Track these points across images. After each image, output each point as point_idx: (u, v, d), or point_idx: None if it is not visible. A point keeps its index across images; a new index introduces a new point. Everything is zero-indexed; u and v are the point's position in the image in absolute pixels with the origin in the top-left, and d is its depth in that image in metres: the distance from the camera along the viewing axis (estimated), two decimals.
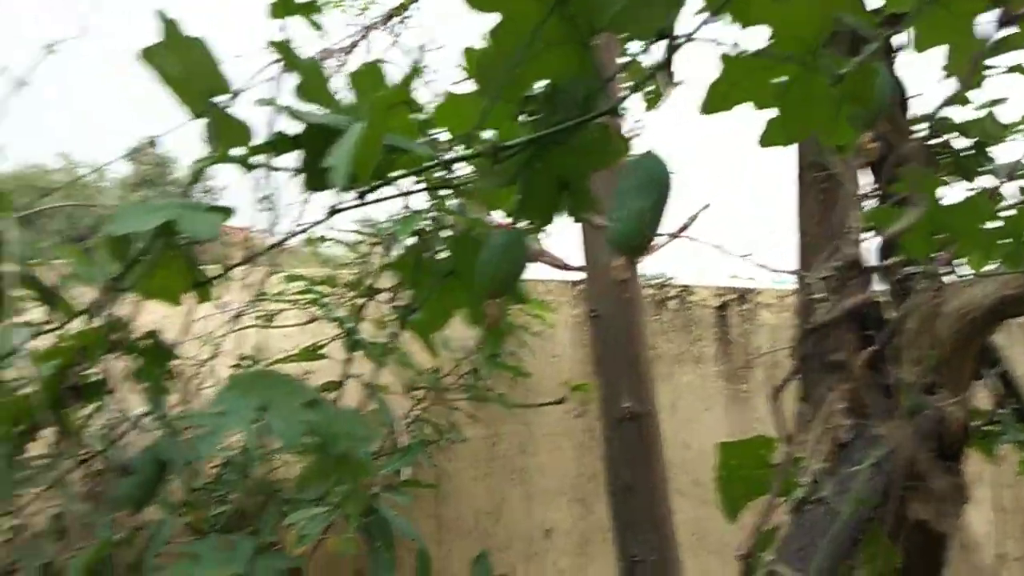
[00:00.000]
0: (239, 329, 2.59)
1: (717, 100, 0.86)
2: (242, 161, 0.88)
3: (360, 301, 2.51)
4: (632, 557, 2.17)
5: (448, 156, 0.78)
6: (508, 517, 3.07)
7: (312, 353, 2.48)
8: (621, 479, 2.20)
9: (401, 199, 0.90)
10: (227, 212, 0.90)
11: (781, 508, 1.46)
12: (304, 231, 1.05)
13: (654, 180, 0.65)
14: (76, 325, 1.12)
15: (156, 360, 1.04)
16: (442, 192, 0.97)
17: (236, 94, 0.93)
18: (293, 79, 0.91)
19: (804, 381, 1.58)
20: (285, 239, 1.53)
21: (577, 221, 0.83)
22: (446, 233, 1.19)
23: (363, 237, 2.50)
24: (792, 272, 1.75)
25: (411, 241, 1.15)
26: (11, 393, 1.23)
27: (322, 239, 2.35)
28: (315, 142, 0.80)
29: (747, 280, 3.24)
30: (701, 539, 3.03)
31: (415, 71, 0.79)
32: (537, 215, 0.77)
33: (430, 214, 2.41)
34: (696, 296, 3.26)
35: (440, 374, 2.88)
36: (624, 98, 0.71)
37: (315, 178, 0.81)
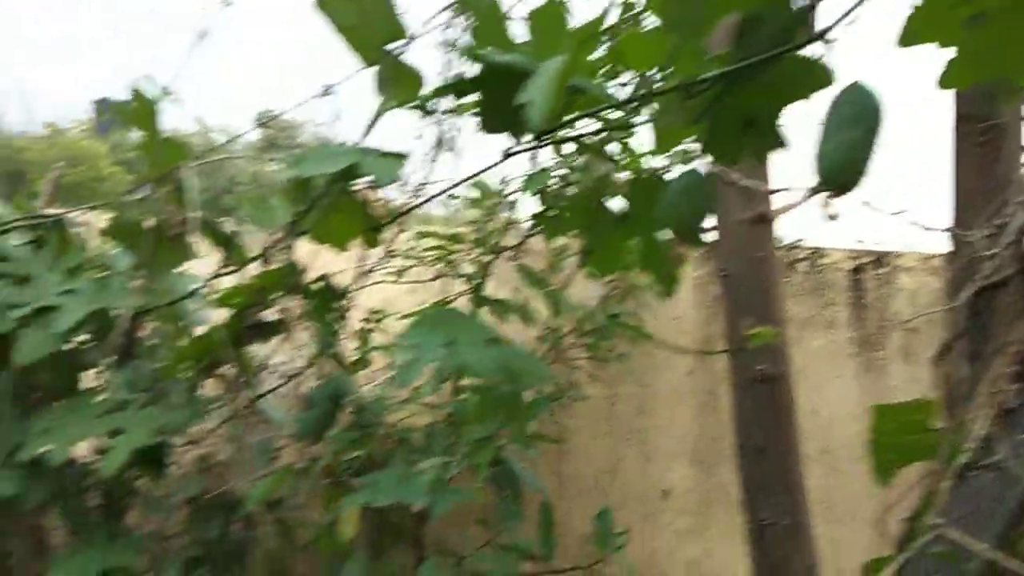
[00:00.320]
0: (370, 284, 2.67)
1: (910, 35, 0.81)
2: (420, 106, 0.89)
3: (487, 258, 2.54)
4: (762, 520, 2.13)
5: (630, 94, 0.77)
6: (625, 477, 3.07)
7: (443, 309, 2.54)
8: (752, 441, 2.16)
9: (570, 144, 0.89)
10: (402, 158, 0.92)
11: (938, 474, 1.39)
12: (461, 182, 1.05)
13: (865, 111, 0.61)
14: (251, 269, 1.18)
15: (327, 301, 1.09)
16: (613, 134, 0.96)
17: (410, 40, 0.94)
18: (466, 24, 0.92)
19: (967, 343, 1.49)
20: (430, 198, 1.56)
21: (760, 162, 0.80)
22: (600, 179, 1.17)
23: (491, 193, 2.52)
24: (947, 230, 1.65)
25: (564, 190, 1.15)
26: (189, 333, 1.32)
27: (454, 196, 2.38)
28: (496, 83, 0.80)
29: (885, 242, 3.08)
30: (830, 507, 2.95)
31: (605, 10, 0.78)
32: (723, 154, 0.75)
33: (559, 171, 2.40)
34: (828, 259, 3.13)
35: (561, 333, 2.89)
36: (830, 28, 0.67)
37: (495, 120, 0.81)
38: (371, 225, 1.04)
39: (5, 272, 1.25)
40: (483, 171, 0.96)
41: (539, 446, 2.56)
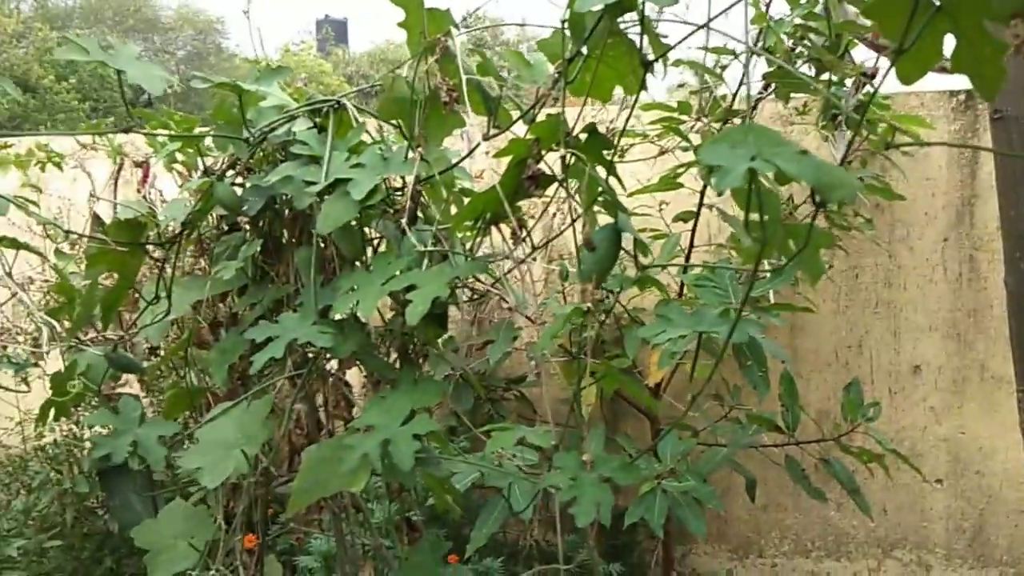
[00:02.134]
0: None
1: None
2: None
3: (716, 126, 2.45)
4: None
5: None
6: (871, 351, 2.92)
7: (671, 181, 2.50)
8: None
9: None
10: None
11: None
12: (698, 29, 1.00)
13: None
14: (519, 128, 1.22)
15: (595, 150, 1.10)
16: None
17: None
18: None
19: None
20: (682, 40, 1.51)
21: None
22: None
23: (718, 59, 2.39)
24: None
25: None
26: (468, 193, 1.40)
27: (678, 62, 2.28)
28: None
29: None
30: None
31: None
32: None
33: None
34: None
35: (793, 203, 2.75)
36: None
37: None
38: (636, 68, 1.02)
39: (298, 153, 1.39)
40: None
41: (770, 322, 2.49)
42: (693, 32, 0.95)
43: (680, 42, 0.92)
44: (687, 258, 2.56)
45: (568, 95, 1.13)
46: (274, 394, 1.44)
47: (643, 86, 1.02)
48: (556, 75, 1.06)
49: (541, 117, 1.16)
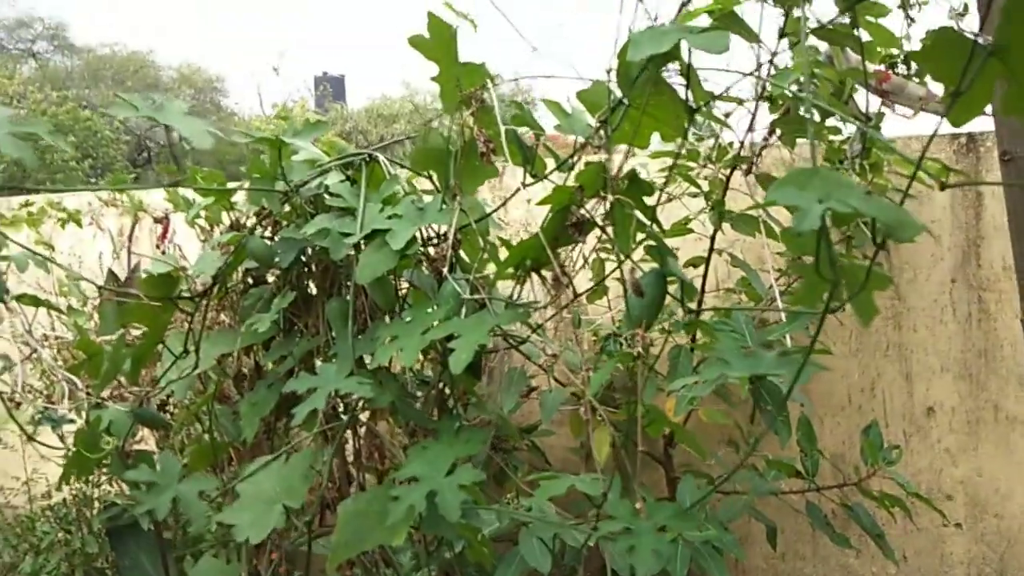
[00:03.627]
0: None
1: None
2: None
3: (725, 172, 2.48)
4: None
5: None
6: (884, 394, 2.92)
7: (682, 227, 2.53)
8: None
9: None
10: (726, 31, 0.92)
11: None
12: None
13: None
14: (556, 177, 1.24)
15: (636, 196, 1.12)
16: None
17: None
18: None
19: None
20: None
21: None
22: None
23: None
24: None
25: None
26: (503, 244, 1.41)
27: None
28: None
29: None
30: None
31: None
32: None
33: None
34: None
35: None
36: None
37: None
38: (679, 116, 1.05)
39: (333, 205, 1.40)
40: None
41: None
42: (740, 80, 0.97)
43: (727, 90, 0.94)
44: (699, 303, 2.57)
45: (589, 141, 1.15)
46: (306, 448, 1.43)
47: (686, 133, 1.04)
48: (599, 124, 1.08)
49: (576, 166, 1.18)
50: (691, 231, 2.57)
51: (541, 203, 1.14)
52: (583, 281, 2.14)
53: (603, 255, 2.72)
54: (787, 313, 2.34)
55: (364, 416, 1.52)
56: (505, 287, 1.40)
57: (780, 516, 2.72)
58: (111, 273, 2.61)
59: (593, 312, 2.97)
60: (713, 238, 2.54)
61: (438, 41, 1.27)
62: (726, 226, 2.49)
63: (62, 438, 1.78)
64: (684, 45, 0.93)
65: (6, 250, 1.87)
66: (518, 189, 1.21)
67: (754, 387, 2.22)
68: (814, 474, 2.37)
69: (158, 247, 2.45)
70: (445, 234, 1.36)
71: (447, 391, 1.40)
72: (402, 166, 1.48)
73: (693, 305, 1.16)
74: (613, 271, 1.11)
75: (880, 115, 2.33)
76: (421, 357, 1.47)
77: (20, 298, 1.85)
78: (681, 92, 1.03)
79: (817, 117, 2.46)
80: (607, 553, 1.36)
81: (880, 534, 2.31)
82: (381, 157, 1.41)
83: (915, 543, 2.92)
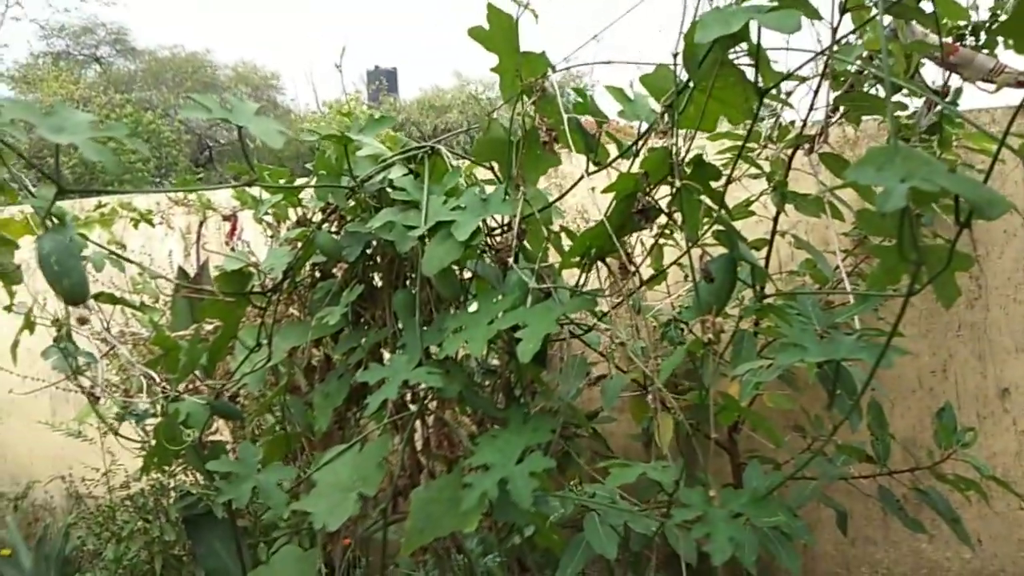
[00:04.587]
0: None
1: None
2: None
3: (787, 152, 2.43)
4: None
5: None
6: (956, 375, 2.84)
7: (744, 210, 2.49)
8: None
9: None
10: (797, 7, 0.89)
11: None
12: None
13: None
14: (621, 164, 1.23)
15: (703, 181, 1.11)
16: None
17: None
18: None
19: None
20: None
21: None
22: None
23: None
24: None
25: None
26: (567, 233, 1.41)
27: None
28: None
29: None
30: None
31: None
32: None
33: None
34: None
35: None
36: None
37: None
38: (748, 98, 1.03)
39: (397, 199, 1.42)
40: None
41: None
42: (811, 59, 0.95)
43: (797, 69, 0.92)
44: (762, 287, 2.53)
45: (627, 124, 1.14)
46: (376, 437, 1.46)
47: (756, 115, 1.03)
48: (664, 109, 1.07)
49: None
50: (753, 213, 2.52)
51: (606, 191, 1.13)
52: (643, 269, 2.13)
53: (662, 241, 2.69)
54: (855, 295, 2.29)
55: (432, 406, 1.54)
56: (569, 276, 1.40)
57: (850, 501, 2.67)
58: (181, 271, 2.70)
59: (652, 299, 2.95)
60: (776, 220, 2.49)
61: (498, 31, 1.27)
62: (789, 207, 2.44)
63: (145, 431, 1.85)
64: (752, 25, 0.92)
65: (84, 251, 1.94)
66: (581, 177, 1.20)
67: (822, 371, 2.18)
68: (886, 458, 2.32)
69: (227, 244, 2.51)
70: (509, 224, 1.37)
71: (514, 380, 1.41)
72: (463, 157, 1.49)
73: (762, 289, 1.14)
74: (677, 260, 1.10)
75: (959, 90, 2.25)
76: (487, 347, 1.48)
77: (98, 296, 1.92)
78: (744, 74, 1.01)
79: (884, 93, 2.39)
80: (675, 539, 1.35)
81: (956, 518, 2.25)
82: (443, 149, 1.42)
83: (990, 528, 2.84)
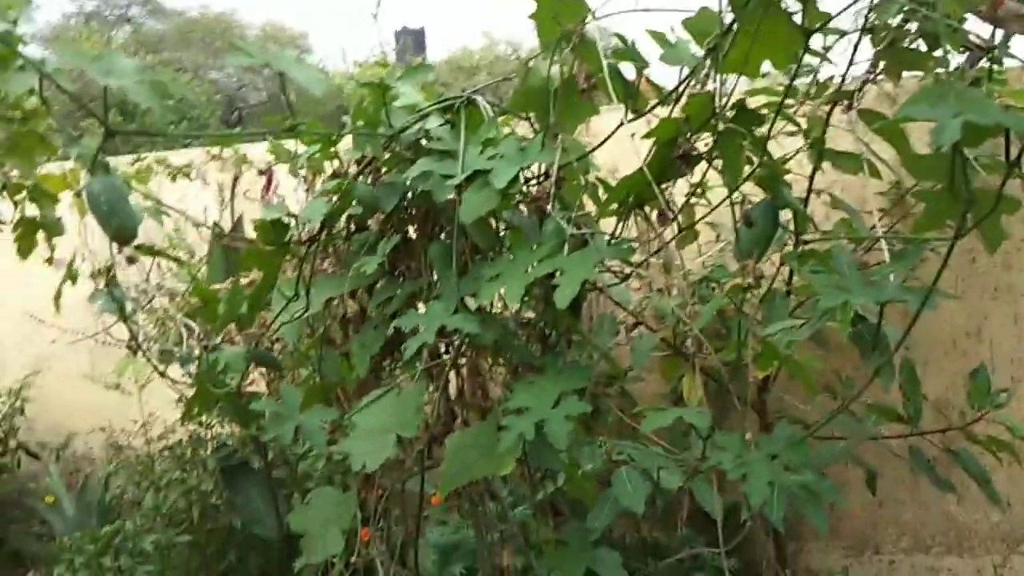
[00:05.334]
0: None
1: None
2: None
3: (825, 108, 2.39)
4: None
5: None
6: (991, 338, 2.81)
7: (780, 167, 2.45)
8: None
9: None
10: None
11: None
12: None
13: None
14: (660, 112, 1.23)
15: (747, 126, 1.10)
16: None
17: None
18: None
19: None
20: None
21: None
22: None
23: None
24: None
25: None
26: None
27: None
28: None
29: None
30: None
31: None
32: None
33: None
34: None
35: (904, 187, 2.67)
36: None
37: None
38: (794, 41, 1.02)
39: (433, 148, 1.43)
40: None
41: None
42: (851, 5, 0.93)
43: (843, 11, 0.91)
44: (796, 246, 2.51)
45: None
46: (411, 386, 1.48)
47: (801, 59, 1.02)
48: (707, 51, 1.06)
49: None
50: (788, 171, 2.49)
51: (646, 136, 1.13)
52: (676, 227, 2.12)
53: (693, 200, 2.67)
54: (891, 255, 2.26)
55: (467, 356, 1.56)
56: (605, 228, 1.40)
57: (879, 462, 2.66)
58: (216, 225, 2.73)
59: (683, 258, 2.94)
60: (812, 178, 2.46)
61: None
62: (825, 166, 2.41)
63: (190, 375, 1.90)
64: None
65: None
66: (621, 124, 1.20)
67: (856, 331, 2.16)
68: (917, 419, 2.30)
69: (262, 199, 2.54)
70: (546, 173, 1.37)
71: (549, 330, 1.42)
72: (499, 108, 1.49)
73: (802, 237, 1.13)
74: (718, 205, 1.10)
75: (1006, 42, 2.19)
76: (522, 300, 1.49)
77: (137, 248, 1.96)
78: (790, 16, 1.00)
79: (925, 48, 2.34)
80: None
81: (987, 479, 2.24)
82: (480, 99, 1.42)
83: (1021, 491, 2.83)
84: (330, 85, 1.15)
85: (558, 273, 1.19)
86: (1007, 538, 2.86)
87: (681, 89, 1.14)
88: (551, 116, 1.31)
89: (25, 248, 1.96)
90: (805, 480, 2.30)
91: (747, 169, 1.17)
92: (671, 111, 1.15)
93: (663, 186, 1.19)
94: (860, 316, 2.17)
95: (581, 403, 1.17)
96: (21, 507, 3.81)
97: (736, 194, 1.15)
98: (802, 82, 2.52)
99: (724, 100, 1.10)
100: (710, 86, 1.06)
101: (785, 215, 2.25)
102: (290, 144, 2.20)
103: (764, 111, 2.52)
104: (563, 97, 1.29)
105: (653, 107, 1.22)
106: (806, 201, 2.49)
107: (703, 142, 1.15)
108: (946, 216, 0.88)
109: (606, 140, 1.31)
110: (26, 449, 3.89)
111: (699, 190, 2.67)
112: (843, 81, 2.30)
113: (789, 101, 2.45)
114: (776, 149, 2.57)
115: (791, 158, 2.47)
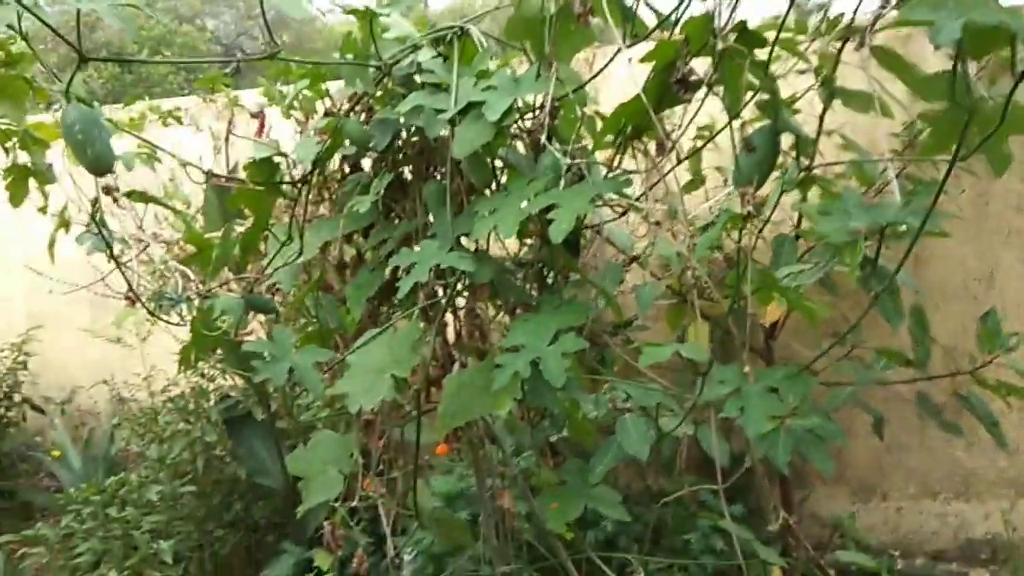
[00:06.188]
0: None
1: None
2: None
3: (836, 46, 2.31)
4: None
5: None
6: (1002, 283, 2.76)
7: (788, 107, 2.38)
8: None
9: None
10: None
11: None
12: None
13: None
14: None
15: (748, 48, 1.04)
16: None
17: None
18: None
19: None
20: None
21: None
22: None
23: None
24: None
25: None
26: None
27: None
28: None
29: None
30: None
31: None
32: None
33: None
34: None
35: (916, 129, 2.60)
36: None
37: None
38: None
39: (426, 82, 1.37)
40: None
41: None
42: None
43: None
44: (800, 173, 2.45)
45: None
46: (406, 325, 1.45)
47: None
48: None
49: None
50: (798, 111, 2.42)
51: (644, 60, 1.08)
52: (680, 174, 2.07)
53: (698, 143, 2.61)
54: (903, 196, 2.20)
55: (463, 296, 1.52)
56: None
57: (885, 407, 2.64)
58: (209, 172, 2.69)
59: (689, 205, 2.89)
60: (822, 118, 2.38)
61: None
62: (836, 104, 2.33)
63: (182, 316, 1.87)
64: None
65: (116, 152, 1.93)
66: (619, 50, 1.14)
67: (864, 274, 2.11)
68: (925, 363, 2.27)
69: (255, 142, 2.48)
70: (542, 105, 1.32)
71: (546, 269, 1.38)
72: (496, 39, 1.43)
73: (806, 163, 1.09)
74: (717, 133, 1.05)
75: None
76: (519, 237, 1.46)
77: (130, 195, 1.92)
78: None
79: None
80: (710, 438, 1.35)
81: (995, 422, 2.21)
82: (473, 29, 1.37)
83: None
84: (309, 10, 1.10)
85: (554, 208, 1.15)
86: (1014, 483, 2.84)
87: (681, 10, 1.08)
88: (546, 45, 1.26)
89: (17, 196, 1.92)
90: (810, 423, 2.29)
91: (749, 97, 1.12)
92: (670, 35, 1.09)
93: (670, 107, 1.13)
94: (869, 260, 2.12)
95: (578, 340, 1.14)
96: (28, 461, 3.85)
97: (737, 121, 1.09)
98: (813, 19, 2.43)
99: (725, 20, 1.04)
100: (710, 4, 1.00)
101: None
102: (284, 87, 2.15)
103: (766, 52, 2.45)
104: (559, 24, 1.23)
105: (652, 31, 1.16)
106: (816, 141, 2.42)
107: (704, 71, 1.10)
108: (951, 137, 0.84)
109: (604, 68, 1.25)
110: (31, 404, 3.91)
111: (705, 134, 2.62)
112: (854, 17, 2.21)
113: (800, 38, 2.37)
114: (785, 88, 2.50)
115: (800, 97, 2.40)
